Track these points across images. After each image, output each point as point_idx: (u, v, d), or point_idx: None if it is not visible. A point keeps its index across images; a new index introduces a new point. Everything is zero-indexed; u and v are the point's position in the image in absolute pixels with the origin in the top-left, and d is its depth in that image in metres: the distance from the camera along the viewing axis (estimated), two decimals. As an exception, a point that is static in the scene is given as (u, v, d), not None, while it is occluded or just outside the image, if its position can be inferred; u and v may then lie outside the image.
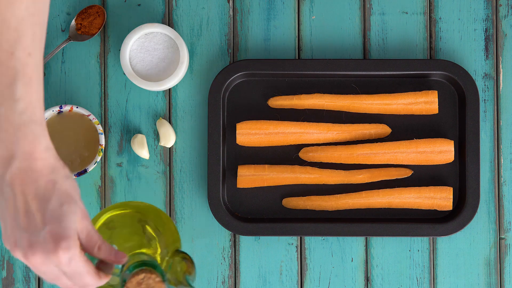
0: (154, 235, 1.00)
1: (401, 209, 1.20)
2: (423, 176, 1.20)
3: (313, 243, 1.20)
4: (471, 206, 1.17)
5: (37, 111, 0.83)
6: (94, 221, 1.00)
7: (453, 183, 1.20)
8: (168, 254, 0.97)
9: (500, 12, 1.21)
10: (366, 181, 1.19)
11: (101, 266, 0.88)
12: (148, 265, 0.91)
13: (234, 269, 1.20)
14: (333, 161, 1.19)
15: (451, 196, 1.18)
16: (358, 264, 1.20)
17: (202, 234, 1.21)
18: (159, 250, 0.98)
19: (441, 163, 1.19)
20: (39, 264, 0.82)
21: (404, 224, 1.17)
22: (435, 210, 1.19)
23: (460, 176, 1.19)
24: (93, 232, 0.85)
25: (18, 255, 0.83)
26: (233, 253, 1.21)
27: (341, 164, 1.20)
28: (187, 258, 0.96)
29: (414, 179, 1.20)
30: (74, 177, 1.16)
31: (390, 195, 1.18)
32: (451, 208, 1.18)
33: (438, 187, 1.18)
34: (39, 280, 1.21)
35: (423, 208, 1.19)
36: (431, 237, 1.20)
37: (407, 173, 1.19)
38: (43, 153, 0.83)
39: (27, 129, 0.83)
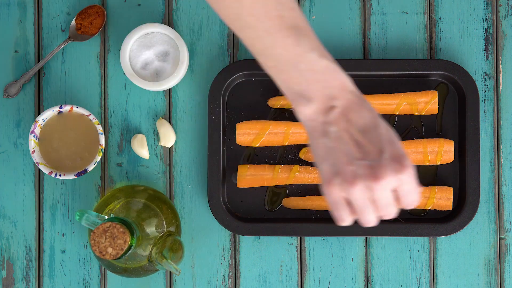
0: (161, 215, 1.12)
1: (401, 209, 1.19)
2: (423, 176, 1.20)
3: (313, 243, 1.20)
4: (471, 206, 1.17)
5: (327, 52, 0.89)
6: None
7: (453, 183, 1.20)
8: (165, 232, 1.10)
9: (500, 12, 1.21)
10: (366, 181, 1.19)
11: None
12: (122, 221, 1.00)
13: (234, 269, 1.20)
14: (333, 161, 1.19)
15: (451, 196, 1.18)
16: (358, 264, 1.20)
17: (202, 234, 1.21)
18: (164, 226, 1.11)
19: (441, 163, 1.19)
20: (382, 187, 0.85)
21: (404, 224, 1.17)
22: (435, 210, 1.19)
23: (460, 176, 1.19)
24: None
25: (359, 185, 0.86)
26: (233, 253, 1.20)
27: (341, 164, 1.20)
28: (177, 240, 1.07)
29: (414, 179, 1.20)
30: (74, 176, 1.16)
31: (390, 195, 1.18)
32: (451, 208, 1.18)
33: (438, 187, 1.18)
34: (39, 280, 1.21)
35: (423, 208, 1.18)
36: (431, 237, 1.20)
37: (407, 173, 1.19)
38: (352, 85, 0.89)
39: (332, 69, 0.88)
